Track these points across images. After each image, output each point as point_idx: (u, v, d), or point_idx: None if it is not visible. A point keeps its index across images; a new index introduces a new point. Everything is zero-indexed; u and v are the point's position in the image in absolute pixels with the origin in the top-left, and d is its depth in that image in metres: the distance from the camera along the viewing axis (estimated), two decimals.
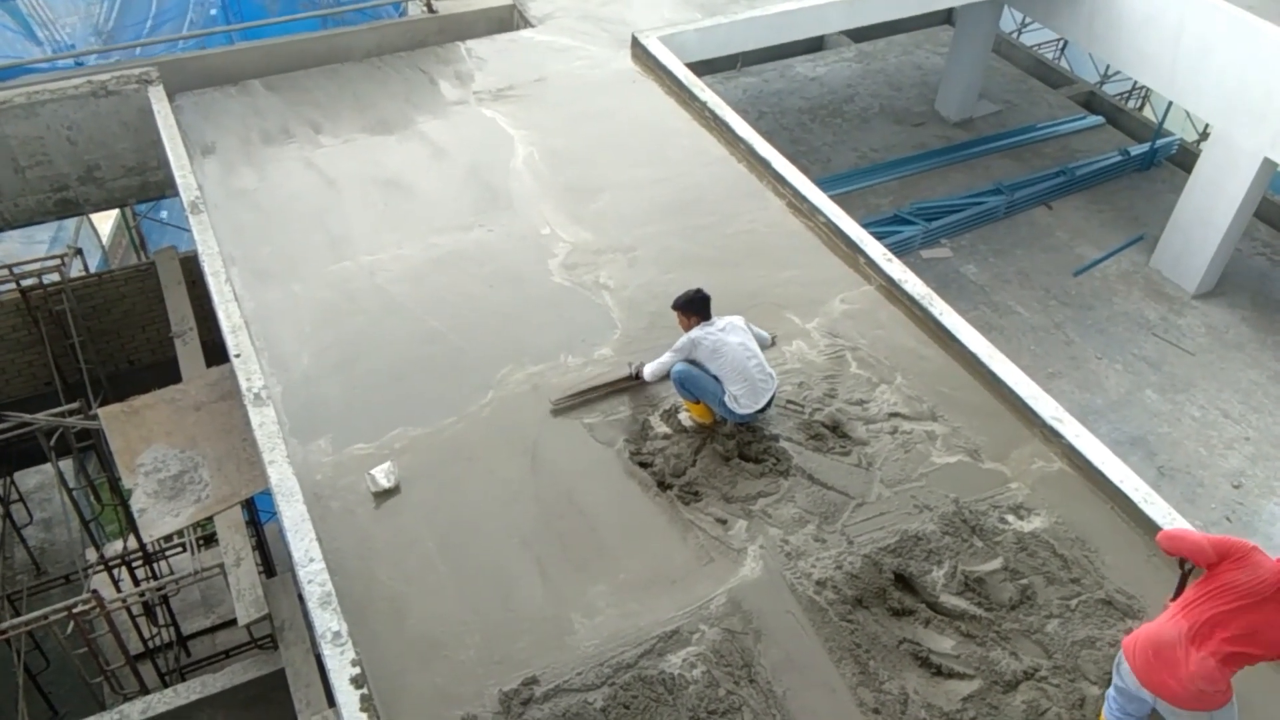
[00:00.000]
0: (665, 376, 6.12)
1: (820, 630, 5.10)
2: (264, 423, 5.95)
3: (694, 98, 9.26)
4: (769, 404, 6.01)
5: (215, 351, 7.67)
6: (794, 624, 5.14)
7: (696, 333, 5.95)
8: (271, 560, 10.24)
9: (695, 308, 6.02)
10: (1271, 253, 12.43)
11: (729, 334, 5.91)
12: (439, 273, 7.41)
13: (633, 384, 6.39)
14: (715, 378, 5.88)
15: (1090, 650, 5.03)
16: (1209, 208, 11.19)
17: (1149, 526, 5.59)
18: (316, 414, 6.24)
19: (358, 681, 4.65)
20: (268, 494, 5.82)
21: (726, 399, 5.88)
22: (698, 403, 6.09)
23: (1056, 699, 4.82)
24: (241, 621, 6.67)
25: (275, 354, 6.66)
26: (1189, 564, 4.49)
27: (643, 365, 6.25)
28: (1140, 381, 10.66)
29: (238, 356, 6.43)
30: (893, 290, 7.26)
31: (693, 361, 5.93)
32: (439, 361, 6.67)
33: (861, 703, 4.81)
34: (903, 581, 5.35)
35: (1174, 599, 4.51)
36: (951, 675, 4.92)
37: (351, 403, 6.34)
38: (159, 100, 8.91)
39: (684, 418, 6.22)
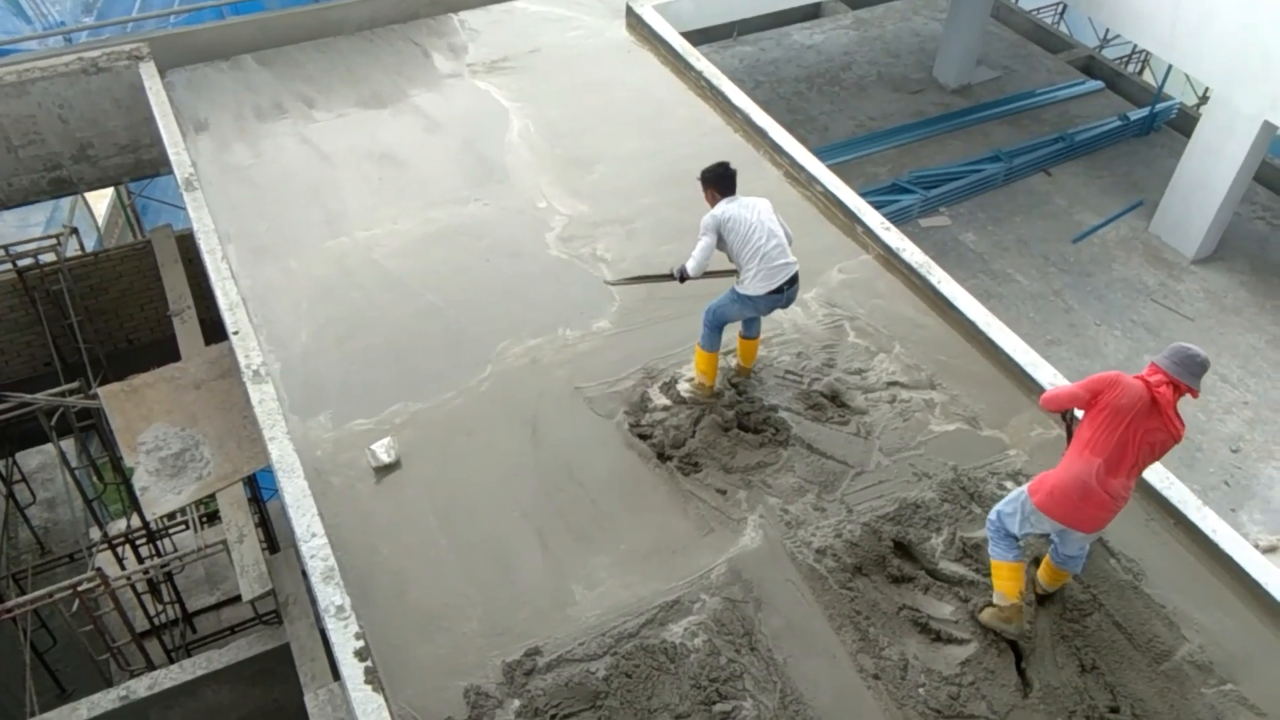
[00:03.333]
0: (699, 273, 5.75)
1: (820, 598, 5.13)
2: (264, 399, 5.95)
3: (690, 67, 9.19)
4: (792, 286, 5.76)
5: (214, 329, 7.66)
6: (794, 592, 5.18)
7: (720, 209, 5.69)
8: (274, 536, 10.28)
9: (721, 184, 5.73)
10: (1271, 216, 12.37)
11: (751, 212, 5.67)
12: (436, 247, 7.38)
13: (678, 284, 5.92)
14: (734, 267, 5.67)
15: (1089, 617, 5.07)
16: (1208, 172, 11.13)
17: (1146, 491, 5.62)
18: (316, 390, 6.25)
19: (362, 654, 4.69)
20: (269, 471, 5.84)
21: (743, 284, 5.65)
22: (710, 353, 6.00)
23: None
24: (245, 597, 6.72)
25: (273, 331, 6.66)
26: (1070, 415, 4.91)
27: (684, 268, 5.77)
28: (1139, 347, 10.65)
29: (236, 334, 6.42)
30: (891, 259, 7.25)
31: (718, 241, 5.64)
32: (437, 336, 6.67)
33: (862, 669, 4.86)
34: (902, 549, 5.38)
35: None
36: (950, 640, 4.95)
37: (350, 378, 6.34)
38: (150, 77, 8.84)
39: (683, 388, 6.23)
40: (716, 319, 5.92)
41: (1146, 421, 4.45)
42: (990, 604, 4.96)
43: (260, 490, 10.50)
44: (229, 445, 6.68)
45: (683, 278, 5.82)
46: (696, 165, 5.57)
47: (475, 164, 8.20)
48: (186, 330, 8.70)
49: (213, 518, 10.88)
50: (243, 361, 6.22)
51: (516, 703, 4.67)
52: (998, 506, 4.87)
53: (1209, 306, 11.13)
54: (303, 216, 7.64)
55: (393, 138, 8.50)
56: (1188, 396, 4.49)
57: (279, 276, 7.11)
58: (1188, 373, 4.42)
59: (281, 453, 5.63)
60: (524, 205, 7.79)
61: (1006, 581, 4.85)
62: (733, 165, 5.75)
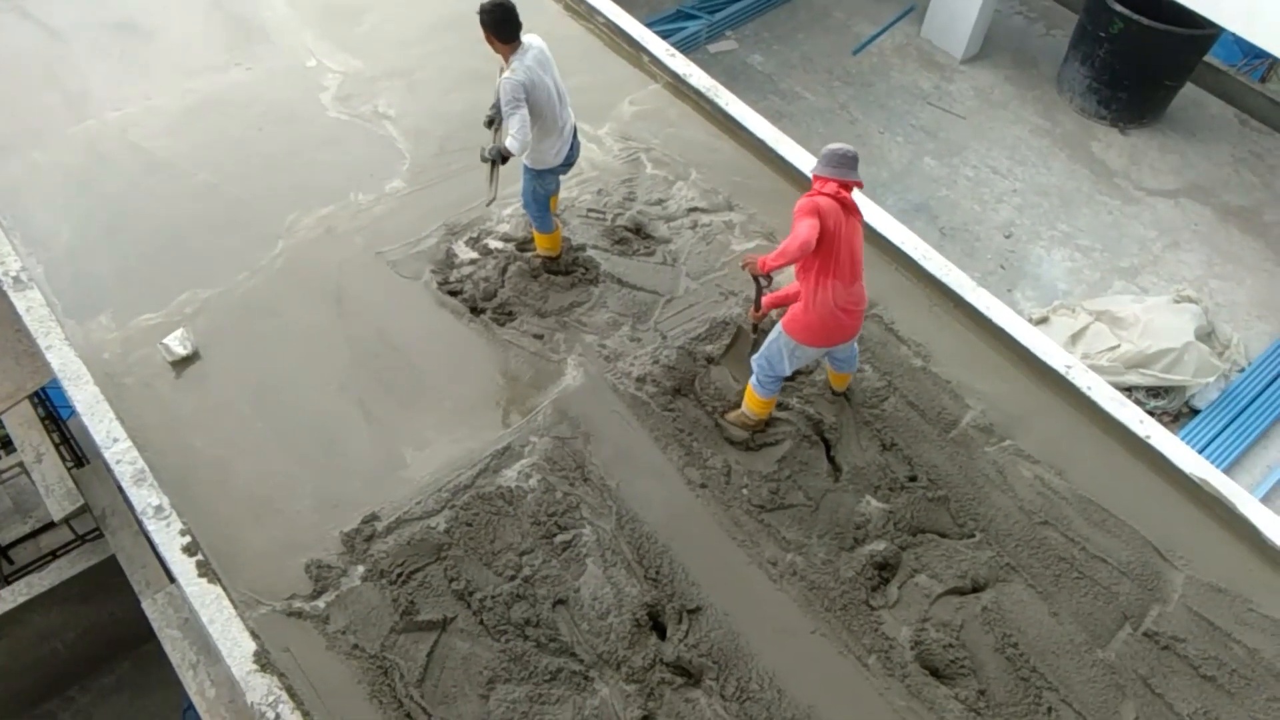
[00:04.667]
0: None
1: (644, 422, 5.36)
2: (31, 307, 5.50)
3: None
4: (575, 150, 5.59)
5: None
6: (619, 421, 5.37)
7: (522, 73, 5.03)
8: (80, 451, 9.68)
9: (503, 29, 5.00)
10: (1028, 10, 13.07)
11: (545, 73, 5.18)
12: (200, 121, 6.82)
13: (505, 163, 5.27)
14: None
15: (886, 401, 5.53)
16: None
17: (928, 280, 6.07)
18: (90, 289, 5.80)
19: (190, 549, 4.59)
20: (58, 385, 5.45)
21: (539, 157, 5.39)
22: (549, 233, 5.88)
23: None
24: (56, 517, 6.39)
25: (28, 232, 6.06)
26: (764, 282, 5.06)
27: (503, 150, 5.12)
28: (920, 150, 11.24)
29: None
30: (679, 86, 7.26)
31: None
32: (218, 216, 6.26)
33: (689, 481, 5.15)
34: (715, 365, 5.64)
35: (756, 310, 5.15)
36: (765, 444, 5.30)
37: (128, 272, 5.90)
38: None
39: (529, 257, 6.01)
40: (538, 202, 5.66)
41: (850, 228, 4.70)
42: (739, 410, 5.31)
43: (55, 407, 9.79)
44: (4, 363, 6.16)
45: (506, 158, 5.21)
46: (472, 4, 5.29)
47: (229, 24, 7.52)
48: None
49: (6, 443, 10.10)
50: None
51: (360, 569, 4.71)
52: (765, 354, 5.01)
53: (978, 104, 11.80)
54: (38, 103, 6.85)
55: (129, 3, 7.64)
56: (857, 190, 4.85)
57: (24, 172, 6.42)
58: (847, 169, 4.68)
59: (63, 361, 5.26)
60: (292, 65, 7.26)
61: (763, 408, 5.24)
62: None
